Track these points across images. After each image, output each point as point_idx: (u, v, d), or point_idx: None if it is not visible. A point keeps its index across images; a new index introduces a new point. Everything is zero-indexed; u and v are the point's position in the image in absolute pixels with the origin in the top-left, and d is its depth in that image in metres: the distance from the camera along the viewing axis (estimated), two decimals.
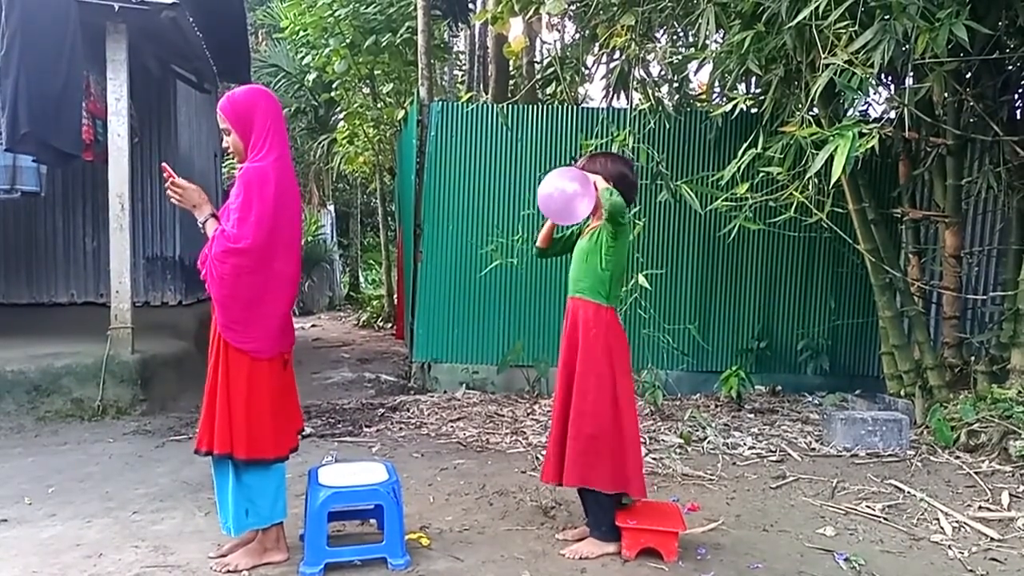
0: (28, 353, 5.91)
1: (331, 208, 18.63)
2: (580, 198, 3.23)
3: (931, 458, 4.76)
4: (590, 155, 3.48)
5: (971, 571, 3.18)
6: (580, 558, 3.21)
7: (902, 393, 5.64)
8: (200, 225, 3.02)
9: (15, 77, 5.21)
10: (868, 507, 3.91)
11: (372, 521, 3.47)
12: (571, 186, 3.24)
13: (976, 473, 4.38)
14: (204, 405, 3.02)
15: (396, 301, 11.93)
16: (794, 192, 4.71)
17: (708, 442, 5.10)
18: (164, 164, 3.22)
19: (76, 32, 5.48)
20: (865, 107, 6.05)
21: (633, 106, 6.66)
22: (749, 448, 5.01)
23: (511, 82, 10.72)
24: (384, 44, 10.93)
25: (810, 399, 6.54)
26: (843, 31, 4.11)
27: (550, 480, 3.39)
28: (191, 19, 6.18)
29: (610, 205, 3.14)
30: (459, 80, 16.84)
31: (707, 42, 5.32)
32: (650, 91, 6.42)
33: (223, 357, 2.95)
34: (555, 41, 9.13)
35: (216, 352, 2.98)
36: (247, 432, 2.92)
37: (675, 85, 6.71)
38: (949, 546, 3.44)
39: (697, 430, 5.33)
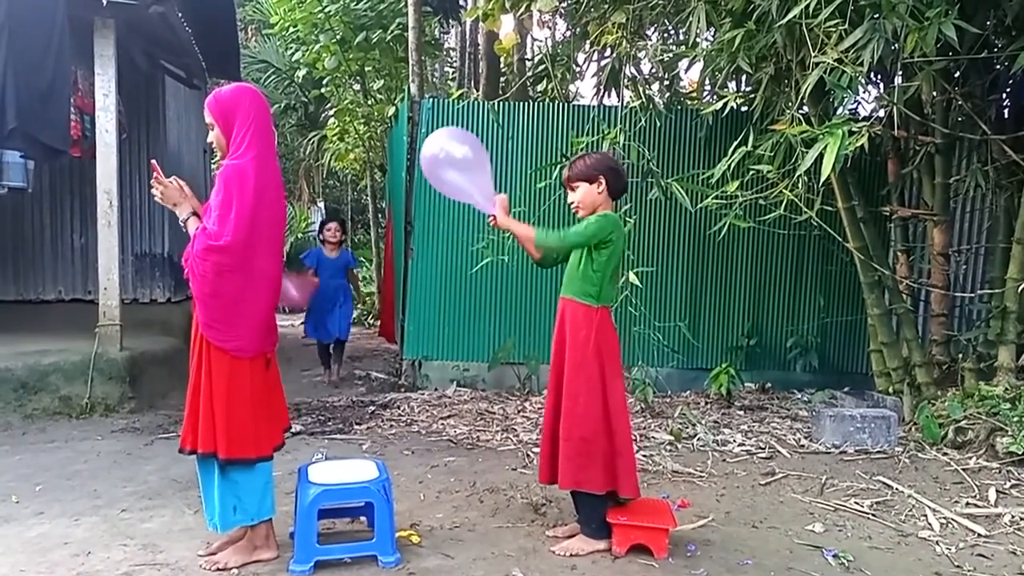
0: (15, 350, 5.86)
1: (321, 205, 18.57)
2: (471, 169, 3.13)
3: (919, 455, 4.79)
4: (571, 162, 3.42)
5: (958, 567, 3.21)
6: (570, 555, 3.22)
7: (890, 390, 5.68)
8: (181, 223, 3.02)
9: (2, 73, 5.16)
10: (856, 503, 3.93)
11: (362, 519, 3.46)
12: (460, 149, 3.14)
13: (963, 470, 4.42)
14: (187, 404, 3.01)
15: (384, 299, 11.81)
16: (784, 190, 4.72)
17: (698, 439, 5.12)
18: (153, 161, 3.21)
19: (64, 27, 5.44)
20: (854, 105, 6.07)
21: (624, 104, 6.66)
22: (739, 445, 5.03)
23: (502, 79, 10.73)
24: (375, 40, 10.90)
25: (799, 396, 6.57)
26: (833, 29, 4.12)
27: (545, 481, 3.41)
28: (180, 14, 6.14)
29: (544, 251, 3.25)
30: (450, 77, 16.81)
31: (698, 40, 5.32)
32: (641, 89, 6.43)
33: (205, 356, 2.94)
34: (546, 38, 9.15)
35: (198, 351, 2.97)
36: (228, 431, 2.91)
37: (666, 83, 6.72)
38: (937, 542, 3.46)
39: (687, 427, 5.35)
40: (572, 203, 3.34)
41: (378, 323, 12.56)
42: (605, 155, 3.41)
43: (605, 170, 3.28)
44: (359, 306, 13.67)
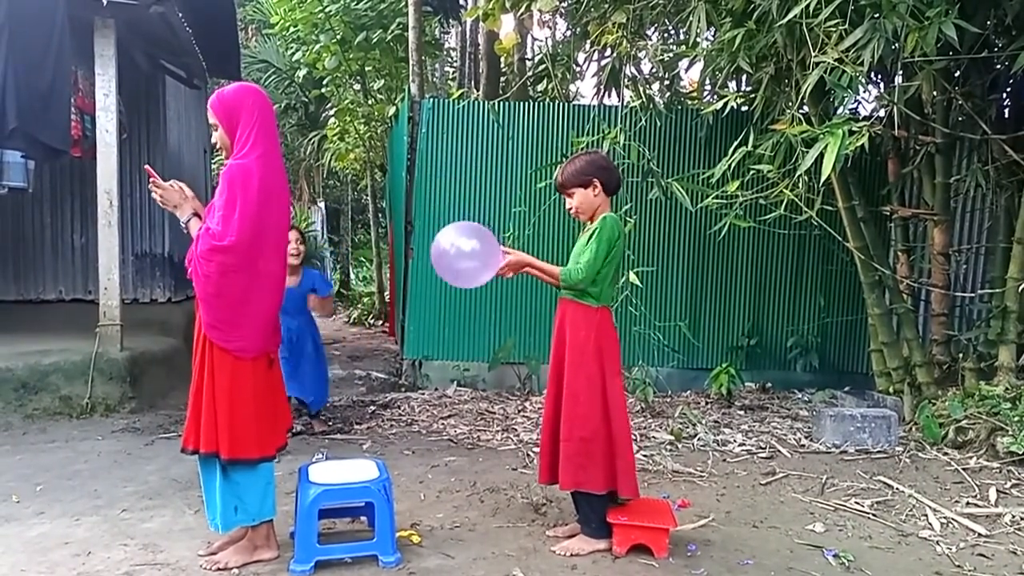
0: (16, 350, 5.86)
1: (321, 205, 18.57)
2: (475, 260, 3.08)
3: (919, 454, 4.79)
4: (560, 168, 3.38)
5: (959, 567, 3.21)
6: (571, 555, 3.21)
7: (891, 390, 5.68)
8: (183, 225, 3.01)
9: (3, 73, 5.16)
10: (857, 503, 3.93)
11: (363, 519, 3.47)
12: (468, 244, 3.09)
13: (964, 469, 4.42)
14: (190, 404, 3.01)
15: (388, 298, 11.82)
16: (784, 190, 4.72)
17: (698, 439, 5.12)
18: (147, 166, 3.20)
19: (64, 27, 5.44)
20: (855, 105, 6.07)
21: (624, 104, 6.66)
22: (739, 445, 5.03)
23: (502, 79, 10.73)
24: (375, 40, 10.91)
25: (800, 396, 6.57)
26: (833, 29, 4.12)
27: (545, 481, 3.40)
28: (180, 14, 6.14)
29: (566, 286, 3.19)
30: (450, 77, 16.82)
31: (698, 40, 5.32)
32: (641, 88, 6.43)
33: (208, 356, 2.94)
34: (546, 38, 9.15)
35: (201, 351, 2.96)
36: (230, 432, 2.91)
37: (666, 83, 6.72)
38: (937, 542, 3.46)
39: (687, 427, 5.35)
40: (570, 208, 3.33)
41: (378, 323, 12.59)
42: (593, 156, 3.35)
43: (596, 171, 3.26)
44: (357, 307, 13.68)
